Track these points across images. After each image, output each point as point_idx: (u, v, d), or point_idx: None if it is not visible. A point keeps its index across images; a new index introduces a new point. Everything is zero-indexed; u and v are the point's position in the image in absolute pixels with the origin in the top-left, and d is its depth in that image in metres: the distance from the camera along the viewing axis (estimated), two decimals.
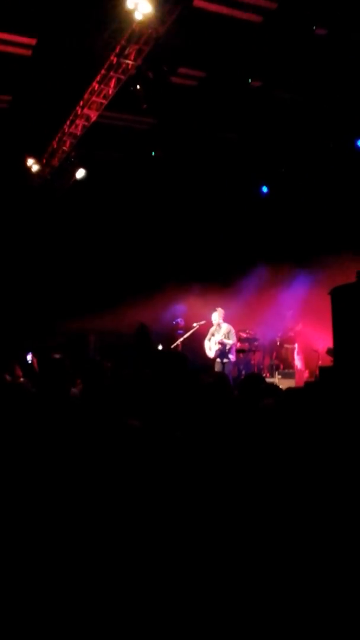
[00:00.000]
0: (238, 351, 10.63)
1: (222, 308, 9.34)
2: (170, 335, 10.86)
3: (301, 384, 9.77)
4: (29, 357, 8.76)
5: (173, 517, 2.37)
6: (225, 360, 8.96)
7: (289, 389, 3.67)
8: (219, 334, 9.00)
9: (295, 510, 2.44)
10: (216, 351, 9.00)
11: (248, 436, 2.86)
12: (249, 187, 12.21)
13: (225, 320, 9.22)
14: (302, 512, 2.43)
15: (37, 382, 6.09)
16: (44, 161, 10.97)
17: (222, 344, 8.93)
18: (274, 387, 3.60)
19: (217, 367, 8.97)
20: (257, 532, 2.32)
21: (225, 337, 8.93)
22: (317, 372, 9.35)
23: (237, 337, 10.51)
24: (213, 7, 7.66)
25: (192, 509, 2.41)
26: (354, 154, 10.10)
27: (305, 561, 2.15)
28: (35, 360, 8.48)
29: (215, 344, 9.01)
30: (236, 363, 11.13)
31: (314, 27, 7.89)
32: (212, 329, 9.16)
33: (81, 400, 4.04)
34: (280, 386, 9.82)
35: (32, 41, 8.28)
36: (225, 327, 9.04)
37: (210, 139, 10.98)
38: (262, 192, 12.27)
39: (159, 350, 10.72)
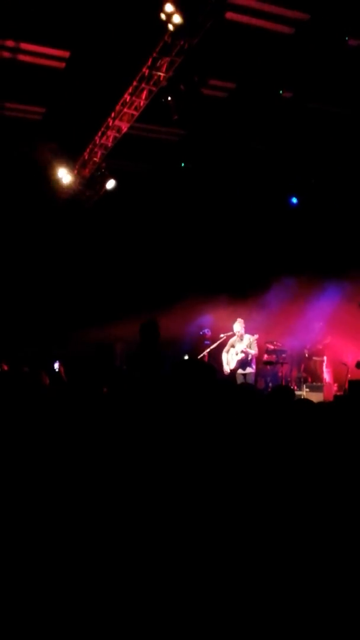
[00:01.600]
0: (265, 363, 10.54)
1: (250, 319, 9.29)
2: (197, 346, 10.82)
3: (330, 397, 9.63)
4: (56, 366, 8.81)
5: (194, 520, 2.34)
6: (246, 371, 8.89)
7: (321, 403, 3.60)
8: (240, 345, 8.94)
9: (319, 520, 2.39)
10: (237, 362, 8.95)
11: (279, 447, 2.81)
12: (278, 198, 12.16)
13: (250, 331, 9.17)
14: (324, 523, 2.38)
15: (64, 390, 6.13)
16: (75, 172, 11.10)
17: (245, 353, 8.87)
18: (305, 400, 3.54)
19: (239, 379, 8.91)
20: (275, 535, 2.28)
21: (248, 347, 8.88)
22: (347, 386, 9.22)
23: (264, 348, 10.44)
24: (245, 19, 7.69)
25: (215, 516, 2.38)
26: None
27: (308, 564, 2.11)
28: (62, 369, 8.52)
29: (237, 354, 8.96)
30: (263, 375, 11.04)
31: (346, 38, 7.85)
32: (232, 340, 9.12)
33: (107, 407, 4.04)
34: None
35: (66, 54, 8.42)
36: (248, 337, 8.99)
37: (240, 151, 10.98)
38: (292, 203, 12.22)
39: (186, 360, 10.70)
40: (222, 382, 3.91)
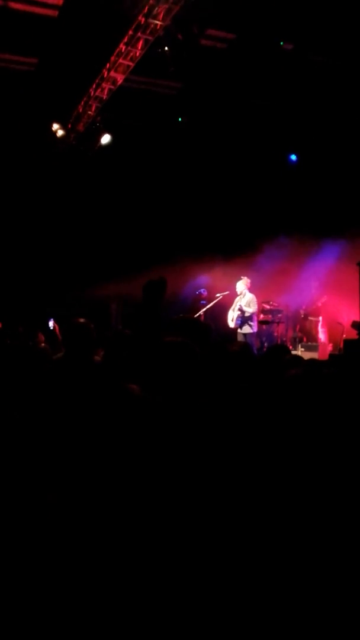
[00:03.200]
0: (261, 322, 10.53)
1: (246, 277, 9.23)
2: (193, 306, 10.79)
3: (325, 357, 9.66)
4: (51, 324, 8.78)
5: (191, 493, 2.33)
6: (245, 330, 8.87)
7: (312, 360, 3.59)
8: (242, 301, 8.93)
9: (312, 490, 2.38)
10: (236, 320, 8.93)
11: (272, 407, 2.80)
12: (277, 155, 11.93)
13: (250, 290, 9.12)
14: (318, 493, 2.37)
15: (59, 347, 6.09)
16: (69, 126, 10.83)
17: (241, 310, 8.85)
18: (298, 358, 3.52)
19: (239, 338, 8.91)
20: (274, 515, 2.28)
21: (246, 305, 8.84)
22: (342, 345, 9.25)
23: (260, 308, 10.40)
24: None
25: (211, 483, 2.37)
26: None
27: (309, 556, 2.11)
28: (57, 327, 8.50)
29: (235, 311, 8.95)
30: (258, 335, 11.04)
31: None
32: (236, 299, 9.07)
33: (103, 368, 4.02)
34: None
35: (59, 1, 8.09)
36: (248, 295, 8.95)
37: (239, 105, 10.69)
38: (291, 160, 11.99)
39: (182, 319, 10.67)
40: (216, 343, 3.86)
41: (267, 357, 3.37)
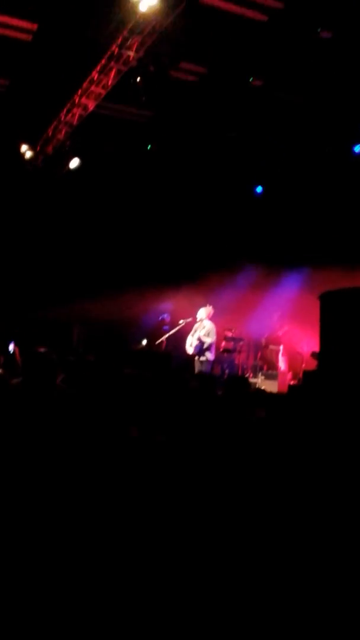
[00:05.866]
0: (223, 351, 10.61)
1: (210, 306, 9.29)
2: (156, 331, 10.82)
3: (284, 385, 9.79)
4: (11, 347, 8.64)
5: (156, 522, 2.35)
6: (202, 358, 8.91)
7: (273, 396, 3.66)
8: (200, 331, 8.97)
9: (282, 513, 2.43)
10: (194, 347, 8.97)
11: (236, 444, 2.84)
12: (243, 186, 12.17)
13: (212, 319, 9.17)
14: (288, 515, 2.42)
15: (17, 373, 6.00)
16: (38, 148, 10.84)
17: (200, 341, 8.89)
18: (260, 392, 3.58)
19: (197, 365, 8.94)
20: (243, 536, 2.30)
21: (205, 335, 8.89)
22: (301, 375, 9.39)
23: (222, 335, 10.49)
24: (219, 3, 7.60)
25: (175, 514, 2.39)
26: (351, 159, 10.11)
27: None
28: (17, 350, 8.38)
29: (195, 340, 8.99)
30: (220, 361, 11.12)
31: (319, 30, 7.86)
32: (195, 325, 9.13)
33: (64, 393, 3.99)
34: (263, 387, 9.88)
35: (33, 26, 8.16)
36: (207, 325, 8.99)
37: (208, 136, 10.91)
38: (257, 191, 12.25)
39: (144, 350, 10.69)
40: (176, 375, 3.90)
41: (227, 392, 3.42)
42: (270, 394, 3.44)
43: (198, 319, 9.07)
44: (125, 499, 2.55)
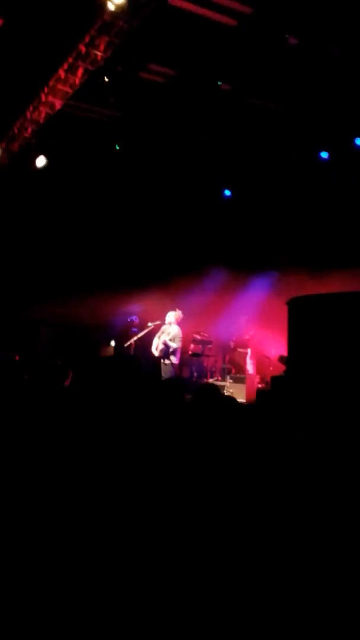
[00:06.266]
0: (192, 355, 10.60)
1: (179, 309, 9.26)
2: (124, 332, 10.74)
3: (252, 389, 9.85)
4: None
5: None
6: (167, 362, 8.89)
7: (242, 407, 3.65)
8: (166, 336, 8.94)
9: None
10: (160, 351, 8.95)
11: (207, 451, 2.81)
12: (211, 189, 12.19)
13: (180, 323, 9.13)
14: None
15: None
16: (4, 146, 10.64)
17: (165, 345, 8.87)
18: (230, 399, 3.56)
19: (162, 368, 8.92)
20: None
21: (171, 340, 8.86)
22: (268, 378, 9.45)
23: (190, 338, 10.48)
24: (188, 6, 7.55)
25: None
26: (317, 165, 10.23)
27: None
28: None
29: (161, 343, 8.96)
30: (188, 364, 11.12)
31: (287, 36, 7.91)
32: (162, 328, 9.08)
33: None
34: (231, 390, 9.89)
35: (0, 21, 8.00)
36: (174, 330, 8.95)
37: (175, 138, 10.88)
38: (225, 195, 12.28)
39: (113, 356, 10.60)
40: (146, 379, 3.86)
41: (198, 401, 3.38)
42: (239, 404, 3.42)
43: (166, 322, 9.03)
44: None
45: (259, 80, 8.91)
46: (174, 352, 8.85)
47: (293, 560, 2.09)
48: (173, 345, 8.80)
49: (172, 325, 8.96)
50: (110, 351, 11.46)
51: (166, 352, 8.85)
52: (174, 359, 8.87)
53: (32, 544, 2.24)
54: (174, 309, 9.18)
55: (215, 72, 9.00)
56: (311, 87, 8.78)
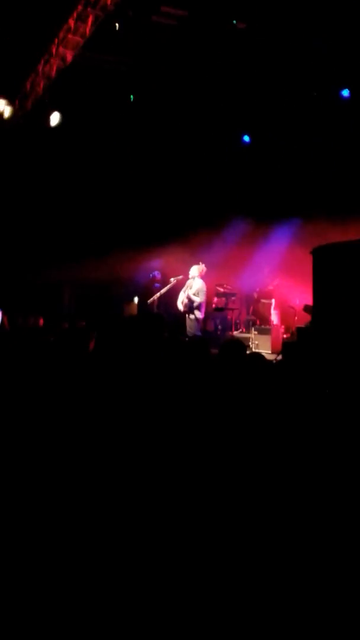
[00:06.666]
0: (215, 309, 10.53)
1: (202, 262, 9.13)
2: (147, 289, 10.71)
3: (277, 339, 9.81)
4: None
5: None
6: (192, 316, 8.84)
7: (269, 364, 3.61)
8: (190, 290, 8.86)
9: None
10: (184, 305, 8.89)
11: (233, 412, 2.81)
12: (229, 136, 11.83)
13: (204, 277, 9.02)
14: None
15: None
16: (17, 104, 10.44)
17: (189, 299, 8.80)
18: (257, 355, 3.52)
19: (187, 323, 8.89)
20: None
21: (195, 295, 8.78)
22: (293, 328, 9.39)
23: (214, 291, 10.39)
24: None
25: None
26: (339, 105, 9.81)
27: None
28: (5, 318, 8.18)
29: (185, 298, 8.89)
30: (213, 317, 11.07)
31: None
32: (187, 282, 8.99)
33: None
34: (257, 342, 9.87)
35: None
36: (198, 284, 8.84)
37: (191, 84, 10.51)
38: (244, 141, 11.91)
39: (136, 315, 10.59)
40: (170, 339, 3.83)
41: (223, 358, 3.36)
42: (266, 361, 3.39)
43: (190, 277, 8.93)
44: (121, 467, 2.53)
45: (274, 17, 8.49)
46: (198, 307, 8.77)
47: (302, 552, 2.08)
48: (197, 299, 8.73)
49: (196, 279, 8.86)
50: (134, 308, 11.46)
51: (191, 306, 8.79)
52: (198, 314, 8.80)
53: (40, 515, 2.25)
54: (197, 263, 9.05)
55: (229, 10, 8.59)
56: (330, 23, 8.34)
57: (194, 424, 2.81)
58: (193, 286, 8.79)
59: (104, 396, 3.13)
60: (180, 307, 8.93)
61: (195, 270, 8.91)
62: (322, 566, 2.02)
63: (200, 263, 9.04)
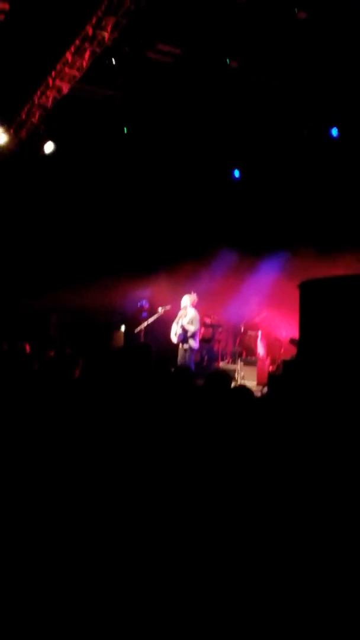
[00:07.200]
0: (202, 340, 10.54)
1: (195, 293, 9.10)
2: (134, 318, 10.72)
3: (263, 371, 9.83)
4: None
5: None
6: (186, 346, 8.77)
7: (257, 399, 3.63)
8: (184, 319, 8.80)
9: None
10: (178, 336, 8.81)
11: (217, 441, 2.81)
12: (220, 171, 12.05)
13: (196, 306, 9.00)
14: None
15: None
16: (12, 132, 10.58)
17: (184, 329, 8.74)
18: (242, 389, 3.53)
19: (180, 354, 8.81)
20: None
21: (189, 324, 8.73)
22: (279, 361, 9.42)
23: (201, 322, 10.40)
24: None
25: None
26: (328, 143, 10.06)
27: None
28: None
29: (179, 328, 8.82)
30: (199, 348, 11.08)
31: (296, 10, 7.74)
32: (179, 313, 8.94)
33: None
34: (242, 373, 9.87)
35: (6, 6, 7.89)
36: (191, 313, 8.80)
37: (184, 119, 10.74)
38: (234, 176, 12.14)
39: (125, 347, 10.56)
40: (156, 369, 3.83)
41: (208, 390, 3.37)
42: (251, 394, 3.40)
43: (182, 306, 8.89)
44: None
45: (267, 57, 8.76)
46: (192, 336, 8.69)
47: (294, 558, 2.09)
48: (191, 328, 8.63)
49: (188, 308, 8.80)
50: (121, 336, 11.46)
51: (184, 336, 8.71)
52: (193, 343, 8.70)
53: (33, 536, 2.25)
54: (188, 292, 9.02)
55: (222, 49, 8.85)
56: (321, 63, 8.60)
57: (176, 453, 2.81)
58: (187, 315, 8.74)
59: (88, 423, 3.13)
60: (174, 338, 8.83)
61: (187, 299, 8.87)
62: (319, 569, 2.02)
63: (192, 292, 9.01)
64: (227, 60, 9.19)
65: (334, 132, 10.02)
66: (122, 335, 11.52)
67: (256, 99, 9.87)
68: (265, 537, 2.19)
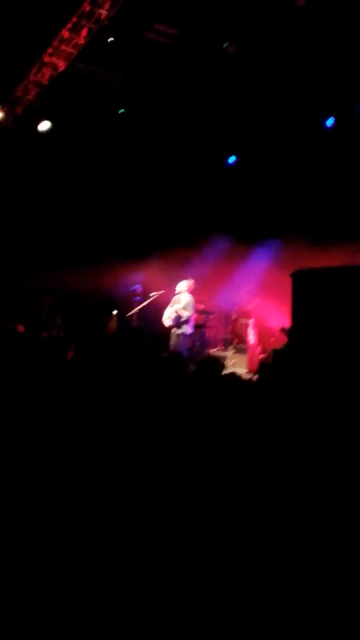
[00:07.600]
0: (195, 327, 10.52)
1: (192, 279, 9.04)
2: (127, 302, 10.69)
3: (254, 359, 9.85)
4: None
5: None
6: (179, 331, 8.71)
7: (247, 383, 3.63)
8: (178, 304, 8.75)
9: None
10: (172, 320, 8.75)
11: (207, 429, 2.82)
12: (214, 156, 11.94)
13: (192, 292, 8.94)
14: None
15: None
16: (7, 109, 10.42)
17: (177, 314, 8.67)
18: (232, 377, 3.54)
19: (172, 338, 8.77)
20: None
21: (182, 309, 8.68)
22: (270, 348, 9.44)
23: (195, 309, 10.37)
24: None
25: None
26: (322, 132, 10.00)
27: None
28: None
29: (173, 312, 8.76)
30: (191, 334, 11.07)
31: None
32: (174, 298, 8.88)
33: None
34: (233, 360, 9.88)
35: None
36: (186, 298, 8.75)
37: (179, 102, 10.61)
38: (229, 161, 12.04)
39: (117, 332, 10.53)
40: (148, 355, 3.83)
41: (199, 376, 3.37)
42: (243, 381, 3.41)
43: (177, 291, 8.83)
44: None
45: (265, 42, 8.65)
46: (186, 321, 8.64)
47: (292, 553, 2.10)
48: (185, 313, 8.58)
49: (184, 293, 8.74)
50: (113, 321, 11.42)
51: (178, 321, 8.65)
52: (186, 328, 8.63)
53: (31, 531, 2.25)
54: (185, 278, 8.95)
55: (218, 32, 8.73)
56: (318, 51, 8.52)
57: (167, 440, 2.81)
58: (181, 301, 8.69)
59: (80, 406, 3.12)
60: (168, 322, 8.76)
61: (184, 285, 8.81)
62: (316, 570, 2.04)
63: (189, 278, 8.96)
64: (224, 45, 9.07)
65: (329, 122, 9.95)
66: (115, 319, 11.49)
67: (251, 85, 9.77)
68: (258, 523, 2.20)
